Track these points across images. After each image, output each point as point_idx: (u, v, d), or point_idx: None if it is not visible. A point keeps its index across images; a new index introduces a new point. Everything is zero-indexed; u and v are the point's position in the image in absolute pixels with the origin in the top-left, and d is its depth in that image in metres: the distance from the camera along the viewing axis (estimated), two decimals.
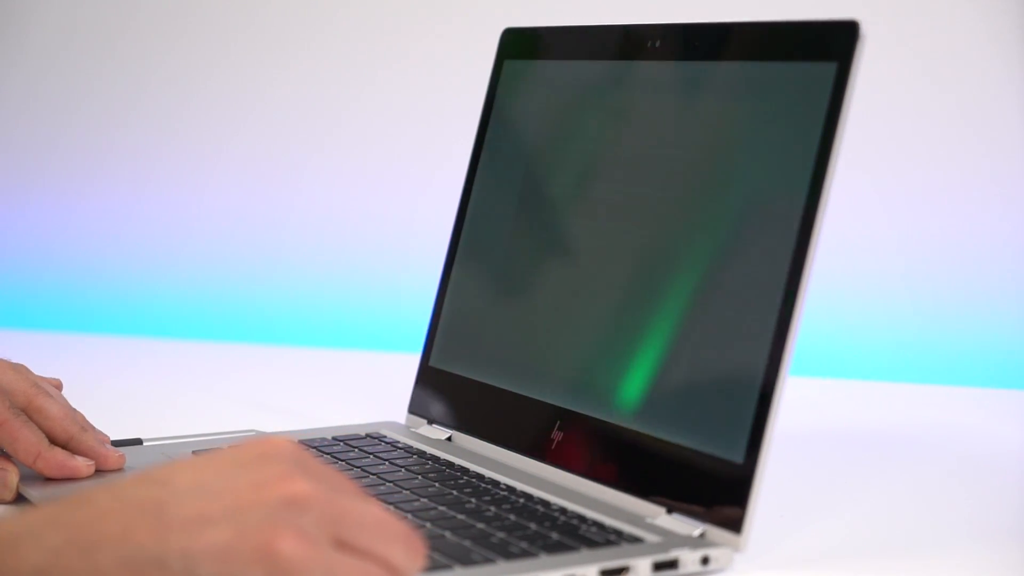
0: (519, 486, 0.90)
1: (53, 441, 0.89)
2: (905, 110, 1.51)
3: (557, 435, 0.93)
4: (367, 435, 1.02)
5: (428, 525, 0.82)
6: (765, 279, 0.83)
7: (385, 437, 1.01)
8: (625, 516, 0.85)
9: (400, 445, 0.99)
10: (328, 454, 0.97)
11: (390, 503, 0.86)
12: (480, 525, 0.82)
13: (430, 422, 1.04)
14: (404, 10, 1.61)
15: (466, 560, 0.77)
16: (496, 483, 0.91)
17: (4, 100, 1.65)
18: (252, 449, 0.63)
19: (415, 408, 1.06)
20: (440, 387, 1.04)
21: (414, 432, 1.03)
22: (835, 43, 0.82)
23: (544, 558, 0.78)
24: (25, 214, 1.63)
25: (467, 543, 0.79)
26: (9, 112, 1.65)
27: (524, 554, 0.78)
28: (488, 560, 0.77)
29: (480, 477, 0.92)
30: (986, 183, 1.49)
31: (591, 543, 0.80)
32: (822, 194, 0.81)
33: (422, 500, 0.87)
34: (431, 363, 1.06)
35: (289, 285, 1.60)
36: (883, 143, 1.51)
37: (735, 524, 0.80)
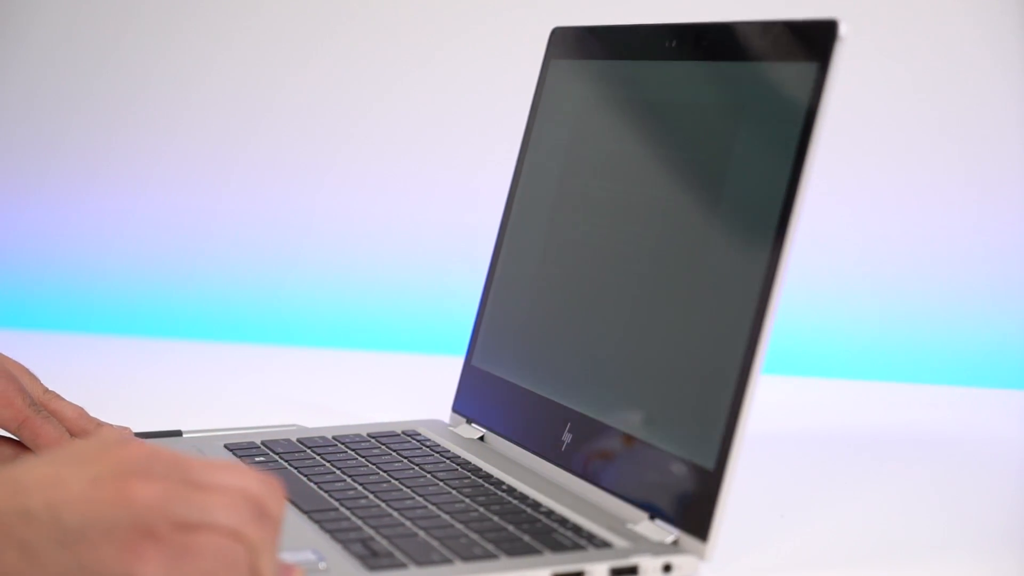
0: (521, 487, 0.91)
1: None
2: (908, 109, 1.49)
3: (567, 437, 0.93)
4: (402, 432, 1.04)
5: (407, 523, 0.83)
6: (741, 283, 0.81)
7: (418, 435, 1.03)
8: (609, 520, 0.85)
9: (428, 443, 1.01)
10: (352, 449, 0.99)
11: (383, 500, 0.87)
12: (458, 525, 0.83)
13: (468, 421, 1.05)
14: (449, 8, 1.60)
15: (424, 560, 0.78)
16: (500, 483, 0.92)
17: (6, 100, 1.65)
18: (90, 437, 0.66)
19: (457, 407, 1.07)
20: (478, 386, 1.05)
21: (451, 431, 1.05)
22: (815, 43, 0.80)
23: (503, 560, 0.78)
24: (34, 214, 1.64)
25: (435, 543, 0.80)
26: (11, 112, 1.65)
27: (485, 556, 0.79)
28: (445, 561, 0.78)
29: (488, 477, 0.93)
30: (986, 183, 1.46)
31: (558, 547, 0.80)
32: (797, 197, 0.79)
33: (416, 498, 0.88)
34: (473, 362, 1.07)
35: (350, 289, 1.61)
36: (885, 142, 1.49)
37: (702, 531, 0.79)
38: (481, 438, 1.03)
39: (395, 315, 1.60)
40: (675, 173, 0.90)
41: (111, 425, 0.95)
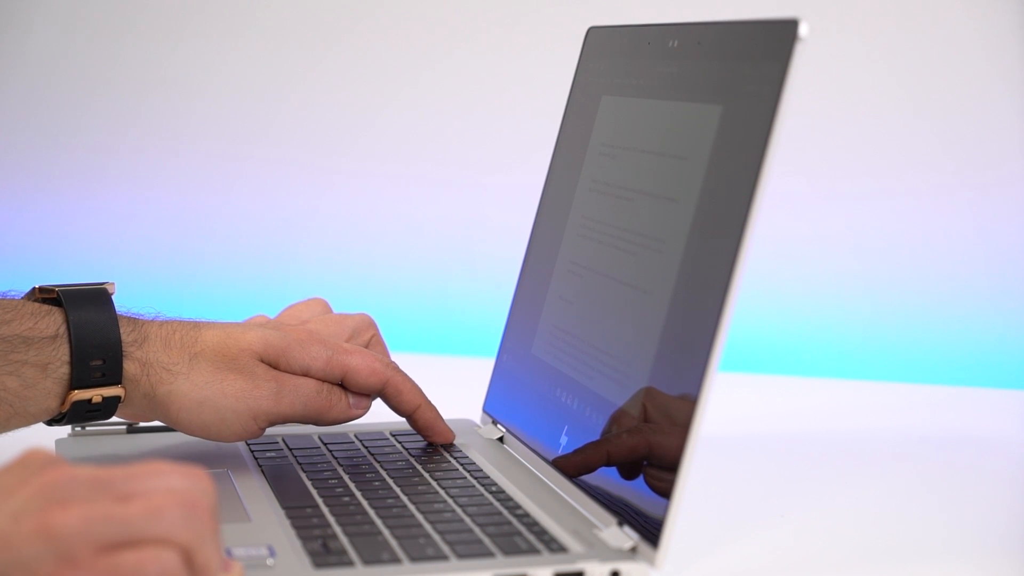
0: (510, 489, 0.91)
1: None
2: (908, 110, 1.47)
3: (563, 440, 0.93)
4: None
5: (377, 522, 0.84)
6: (704, 288, 0.80)
7: None
8: (579, 525, 0.84)
9: (444, 443, 1.01)
10: (366, 447, 1.00)
11: (368, 499, 0.89)
12: (426, 526, 0.84)
13: (494, 422, 1.06)
14: (487, 9, 1.60)
15: (372, 559, 0.79)
16: (491, 485, 0.92)
17: (11, 100, 1.66)
18: (11, 460, 0.66)
19: (486, 407, 1.08)
20: (504, 387, 1.06)
21: (476, 431, 1.05)
22: (776, 43, 0.78)
23: (452, 562, 0.79)
24: (39, 213, 1.66)
25: (393, 542, 0.81)
26: (17, 111, 1.67)
27: (435, 557, 0.79)
28: (394, 560, 0.79)
29: (483, 478, 0.93)
30: (985, 182, 1.44)
31: (512, 550, 0.80)
32: (755, 200, 0.78)
33: (400, 498, 0.89)
34: (500, 363, 1.07)
35: (385, 291, 1.61)
36: (884, 142, 1.48)
37: (654, 538, 0.79)
38: (500, 439, 1.03)
39: (433, 317, 1.61)
40: (657, 178, 0.89)
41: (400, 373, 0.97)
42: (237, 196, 1.66)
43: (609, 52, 1.02)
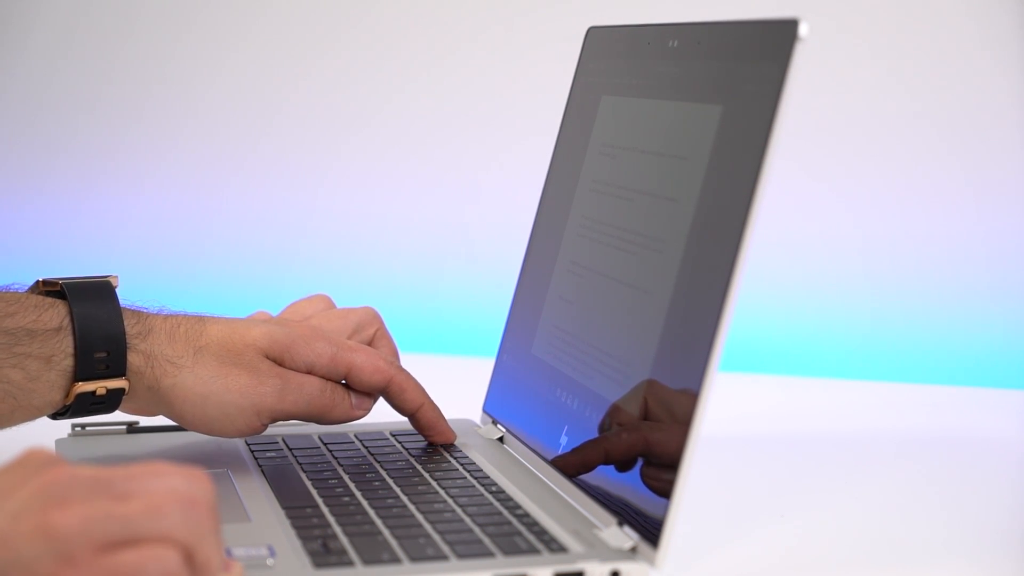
0: (510, 489, 0.91)
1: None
2: (908, 110, 1.48)
3: (563, 440, 0.93)
4: None
5: (377, 522, 0.84)
6: (706, 287, 0.80)
7: None
8: (579, 525, 0.84)
9: (444, 443, 1.01)
10: (366, 447, 1.00)
11: (368, 499, 0.89)
12: (426, 526, 0.84)
13: (494, 422, 1.06)
14: (486, 8, 1.60)
15: (372, 559, 0.79)
16: (491, 485, 0.92)
17: (11, 100, 1.66)
18: (11, 460, 0.66)
19: (486, 407, 1.08)
20: (504, 387, 1.06)
21: (476, 431, 1.05)
22: (775, 43, 0.78)
23: (452, 562, 0.79)
24: (38, 213, 1.66)
25: (393, 542, 0.81)
26: (16, 111, 1.67)
27: (435, 557, 0.79)
28: (394, 560, 0.79)
29: (483, 478, 0.93)
30: (986, 182, 1.44)
31: (512, 550, 0.80)
32: (754, 200, 0.78)
33: (400, 498, 0.89)
34: (500, 364, 1.07)
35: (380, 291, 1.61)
36: (885, 142, 1.48)
37: (654, 538, 0.79)
38: (500, 439, 1.03)
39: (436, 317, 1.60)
40: (657, 178, 0.89)
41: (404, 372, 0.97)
42: (236, 195, 1.66)
43: (609, 52, 1.02)
